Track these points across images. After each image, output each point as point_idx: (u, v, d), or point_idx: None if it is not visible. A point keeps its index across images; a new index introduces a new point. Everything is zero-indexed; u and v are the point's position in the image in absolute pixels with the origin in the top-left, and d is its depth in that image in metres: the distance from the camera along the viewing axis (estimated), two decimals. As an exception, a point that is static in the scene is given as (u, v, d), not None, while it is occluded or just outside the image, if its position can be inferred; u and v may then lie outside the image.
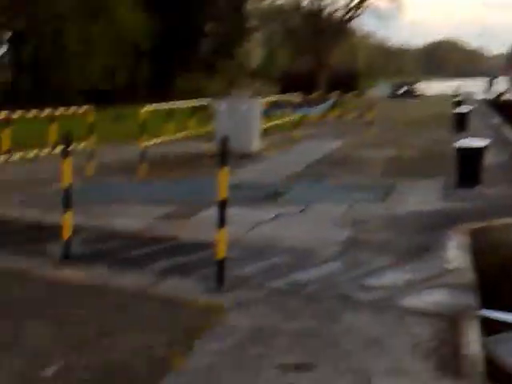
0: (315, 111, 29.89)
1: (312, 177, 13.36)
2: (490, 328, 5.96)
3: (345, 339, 5.15)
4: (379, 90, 59.18)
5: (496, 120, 27.67)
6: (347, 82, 50.64)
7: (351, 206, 10.22)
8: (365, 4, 50.47)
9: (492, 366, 5.11)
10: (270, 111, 23.64)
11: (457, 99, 28.59)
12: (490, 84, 50.72)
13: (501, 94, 48.32)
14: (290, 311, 5.74)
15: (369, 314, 5.69)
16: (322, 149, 18.15)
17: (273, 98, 26.07)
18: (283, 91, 51.25)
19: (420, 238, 8.12)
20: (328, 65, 51.15)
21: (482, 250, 7.92)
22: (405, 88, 52.68)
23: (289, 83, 49.93)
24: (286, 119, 23.78)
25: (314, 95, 33.40)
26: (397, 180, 12.59)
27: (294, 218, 9.44)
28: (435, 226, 8.72)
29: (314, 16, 50.24)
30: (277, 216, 9.51)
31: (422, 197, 10.96)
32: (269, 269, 6.95)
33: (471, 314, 5.62)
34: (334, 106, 31.78)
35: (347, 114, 28.86)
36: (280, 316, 5.63)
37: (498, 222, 8.88)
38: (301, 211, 9.89)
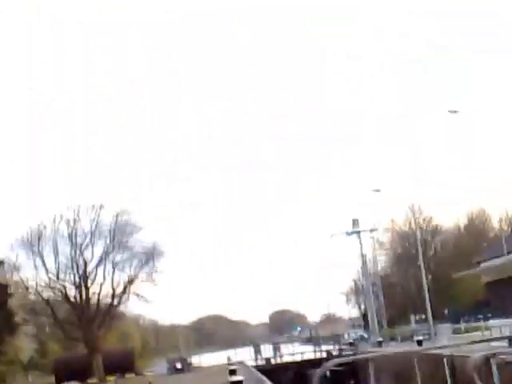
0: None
1: None
2: None
3: None
4: (157, 368, 59.59)
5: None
6: (125, 364, 51.31)
7: None
8: (129, 290, 52.54)
9: None
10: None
11: (231, 368, 30.10)
12: (257, 351, 54.24)
13: (268, 360, 51.56)
14: None
15: None
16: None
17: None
18: (59, 380, 50.25)
19: None
20: (101, 349, 51.32)
21: None
22: (180, 363, 53.95)
23: (65, 371, 49.32)
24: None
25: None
26: None
27: None
28: None
29: (81, 306, 51.31)
30: None
31: None
32: None
33: None
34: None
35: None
36: None
37: None
38: None
